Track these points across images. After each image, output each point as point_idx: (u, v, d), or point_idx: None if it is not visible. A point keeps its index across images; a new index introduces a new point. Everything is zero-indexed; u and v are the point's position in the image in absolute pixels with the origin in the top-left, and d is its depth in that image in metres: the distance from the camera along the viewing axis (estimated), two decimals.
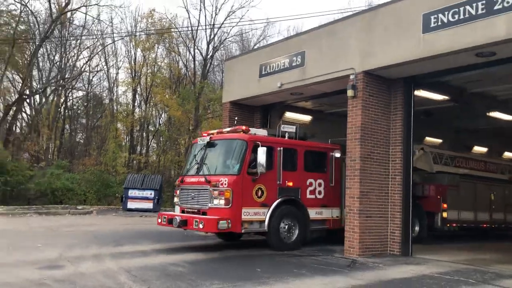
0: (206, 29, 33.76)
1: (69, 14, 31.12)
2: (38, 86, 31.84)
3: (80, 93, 35.81)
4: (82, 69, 34.49)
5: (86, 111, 36.82)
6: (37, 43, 29.21)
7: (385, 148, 11.34)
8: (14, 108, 29.11)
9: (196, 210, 10.84)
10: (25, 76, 29.33)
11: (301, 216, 11.33)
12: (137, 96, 36.42)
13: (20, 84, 30.45)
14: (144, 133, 36.30)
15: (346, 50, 11.32)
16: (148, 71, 35.67)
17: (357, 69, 10.95)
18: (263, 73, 13.60)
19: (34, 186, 25.22)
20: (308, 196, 11.61)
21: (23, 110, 32.92)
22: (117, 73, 36.94)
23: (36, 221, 17.73)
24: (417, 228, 13.67)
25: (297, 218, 11.25)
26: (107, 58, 35.73)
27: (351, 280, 8.21)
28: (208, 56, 35.09)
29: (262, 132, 11.64)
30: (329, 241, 12.61)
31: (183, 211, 11.25)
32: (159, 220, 11.40)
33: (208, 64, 35.52)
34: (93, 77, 36.25)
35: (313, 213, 11.62)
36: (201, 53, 35.40)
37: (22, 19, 28.78)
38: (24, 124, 34.37)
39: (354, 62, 11.03)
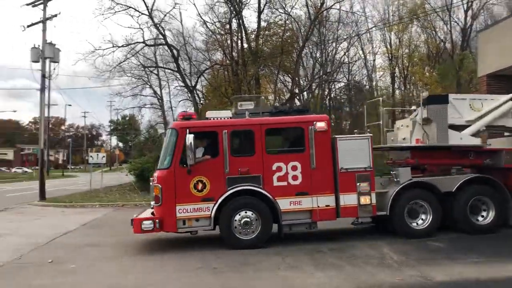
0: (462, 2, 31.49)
1: (324, 12, 33.90)
2: (305, 83, 35.85)
3: (342, 84, 38.53)
4: (342, 60, 37.06)
5: (348, 99, 39.36)
6: (300, 45, 32.96)
7: None
8: (288, 105, 33.62)
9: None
10: (293, 77, 33.49)
11: (265, 209, 9.54)
12: (395, 78, 36.91)
13: (290, 84, 34.93)
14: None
15: None
16: (404, 52, 35.67)
17: None
18: None
19: None
20: (276, 183, 9.60)
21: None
22: (374, 59, 38.21)
23: None
24: (491, 214, 10.24)
25: (259, 211, 9.51)
26: (363, 46, 37.39)
27: None
28: (467, 25, 32.74)
29: (223, 114, 10.23)
30: None
31: None
32: None
33: (468, 33, 33.14)
34: (352, 67, 38.47)
35: (285, 204, 9.59)
36: (457, 23, 33.33)
37: (287, 27, 32.95)
38: None
39: None
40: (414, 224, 10.09)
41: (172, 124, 10.46)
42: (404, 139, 11.09)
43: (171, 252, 9.45)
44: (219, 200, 9.42)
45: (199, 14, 32.24)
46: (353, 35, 35.76)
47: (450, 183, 10.20)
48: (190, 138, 9.18)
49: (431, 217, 10.06)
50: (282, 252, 9.02)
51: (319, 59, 35.96)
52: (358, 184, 9.72)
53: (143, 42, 31.90)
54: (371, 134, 10.40)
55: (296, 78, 33.94)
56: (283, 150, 10.13)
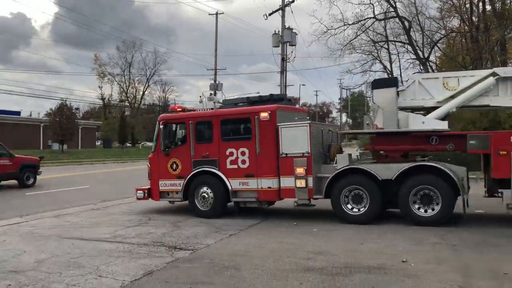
0: None
1: None
2: None
3: None
4: None
5: None
6: None
7: None
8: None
9: None
10: None
11: (217, 186, 11.12)
12: None
13: None
14: None
15: None
16: None
17: None
18: None
19: None
20: (229, 166, 11.01)
21: None
22: None
23: None
24: (438, 207, 9.32)
25: (213, 188, 11.16)
26: None
27: None
28: None
29: (207, 106, 12.04)
30: None
31: None
32: None
33: None
34: None
35: (236, 184, 10.97)
36: None
37: None
38: None
39: None
40: (351, 208, 10.02)
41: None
42: (367, 124, 10.74)
43: (404, 225, 9.52)
44: (187, 178, 11.40)
45: None
46: None
47: (390, 171, 9.60)
48: (160, 128, 11.89)
49: (368, 204, 9.83)
50: None
51: None
52: (295, 168, 10.19)
53: (374, 17, 31.78)
54: (310, 121, 10.58)
55: None
56: (234, 137, 11.23)
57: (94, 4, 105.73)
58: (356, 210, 9.97)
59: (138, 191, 12.33)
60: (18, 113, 63.54)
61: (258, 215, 11.29)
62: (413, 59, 33.47)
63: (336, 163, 10.20)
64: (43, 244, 8.50)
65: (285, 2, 27.54)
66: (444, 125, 9.86)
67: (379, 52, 36.61)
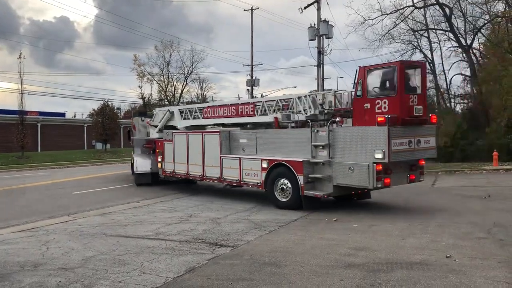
0: None
1: None
2: None
3: None
4: None
5: None
6: None
7: None
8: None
9: None
10: None
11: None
12: None
13: None
14: None
15: None
16: None
17: None
18: None
19: None
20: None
21: None
22: None
23: None
24: None
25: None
26: None
27: None
28: None
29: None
30: None
31: None
32: None
33: None
34: None
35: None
36: None
37: None
38: None
39: None
40: None
41: None
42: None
43: (449, 220, 9.23)
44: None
45: None
46: None
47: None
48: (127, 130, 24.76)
49: None
50: None
51: None
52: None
53: (413, 5, 30.98)
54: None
55: None
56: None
57: (133, 5, 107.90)
58: None
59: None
60: (63, 114, 65.83)
61: (298, 212, 11.27)
62: (455, 47, 32.51)
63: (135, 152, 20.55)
64: (90, 242, 8.78)
65: None
66: (156, 135, 18.52)
67: (419, 41, 35.68)
